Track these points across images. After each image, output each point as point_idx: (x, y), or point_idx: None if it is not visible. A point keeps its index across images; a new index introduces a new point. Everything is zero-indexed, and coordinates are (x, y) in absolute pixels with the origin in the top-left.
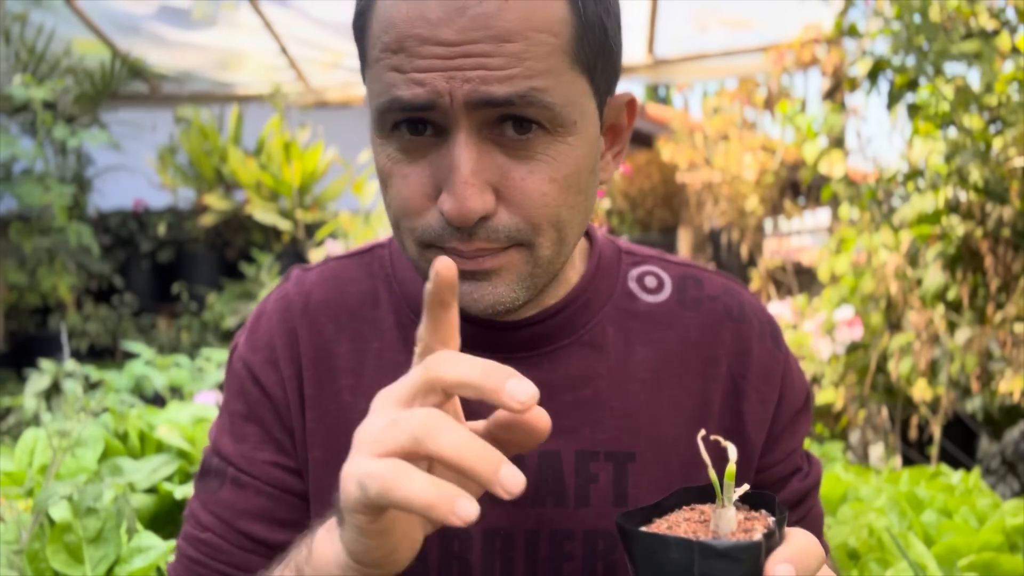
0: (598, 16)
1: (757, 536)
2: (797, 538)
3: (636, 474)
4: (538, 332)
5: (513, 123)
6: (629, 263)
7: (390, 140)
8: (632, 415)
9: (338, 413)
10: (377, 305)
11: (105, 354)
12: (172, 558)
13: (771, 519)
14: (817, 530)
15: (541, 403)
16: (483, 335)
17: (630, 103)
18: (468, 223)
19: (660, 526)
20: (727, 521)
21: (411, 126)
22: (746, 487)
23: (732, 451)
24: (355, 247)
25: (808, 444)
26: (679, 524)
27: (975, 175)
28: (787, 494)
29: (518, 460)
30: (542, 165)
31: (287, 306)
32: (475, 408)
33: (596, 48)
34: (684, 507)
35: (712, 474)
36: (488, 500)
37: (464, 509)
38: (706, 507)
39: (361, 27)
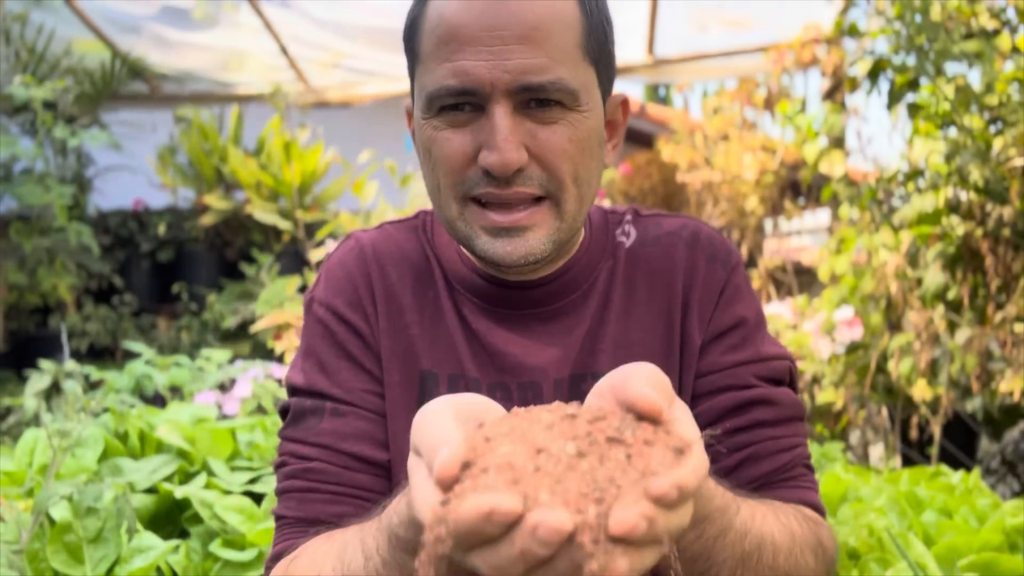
0: (600, 21)
1: None
2: None
3: None
4: (550, 290)
5: (537, 101)
6: (615, 223)
7: (435, 117)
8: (610, 340)
9: (408, 343)
10: (428, 261)
11: (105, 354)
12: (276, 503)
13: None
14: (772, 456)
15: (549, 350)
16: (506, 295)
17: (624, 102)
18: (508, 172)
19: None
20: None
21: (453, 106)
22: None
23: None
24: (408, 215)
25: (808, 444)
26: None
27: (975, 175)
28: (720, 401)
29: (536, 391)
30: (562, 128)
31: (360, 254)
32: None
33: (600, 46)
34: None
35: None
36: None
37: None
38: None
39: (413, 31)
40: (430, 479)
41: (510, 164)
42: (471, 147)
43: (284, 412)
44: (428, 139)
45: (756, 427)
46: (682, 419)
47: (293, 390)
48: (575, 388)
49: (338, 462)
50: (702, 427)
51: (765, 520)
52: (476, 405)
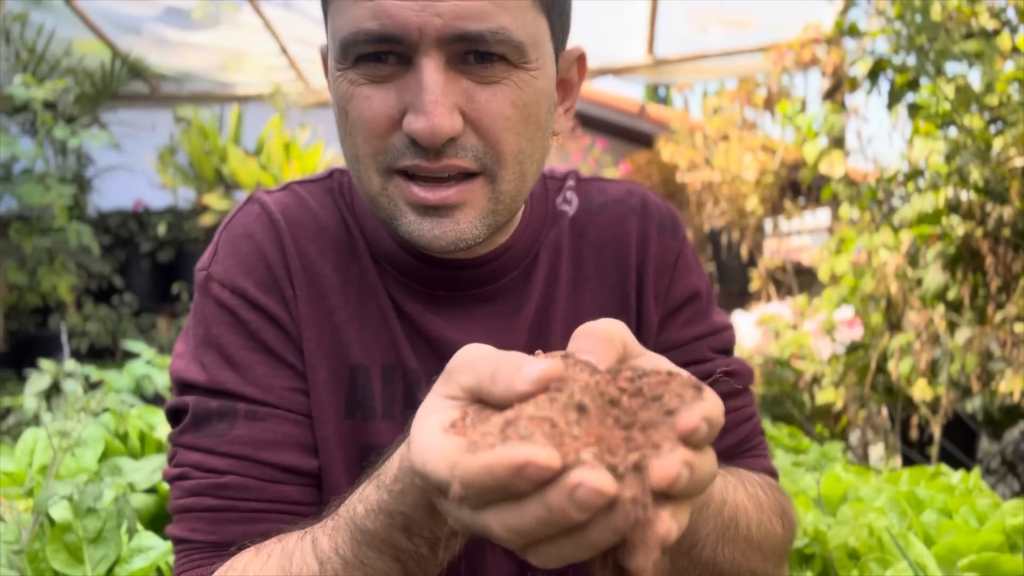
0: None
1: None
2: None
3: None
4: (491, 269)
5: (476, 55)
6: (555, 189)
7: (351, 68)
8: (560, 320)
9: (333, 332)
10: (348, 229)
11: (105, 354)
12: (174, 522)
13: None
14: (735, 429)
15: (494, 335)
16: (440, 275)
17: (580, 58)
18: (437, 142)
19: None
20: None
21: (374, 56)
22: None
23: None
24: (316, 172)
25: (807, 445)
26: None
27: (975, 175)
28: None
29: None
30: (505, 89)
31: (269, 223)
32: None
33: None
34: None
35: None
36: None
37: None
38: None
39: None
40: (440, 428)
41: (440, 132)
42: (395, 108)
43: (176, 413)
44: (344, 96)
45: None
46: (680, 369)
47: (188, 387)
48: None
49: (259, 474)
50: None
51: (737, 490)
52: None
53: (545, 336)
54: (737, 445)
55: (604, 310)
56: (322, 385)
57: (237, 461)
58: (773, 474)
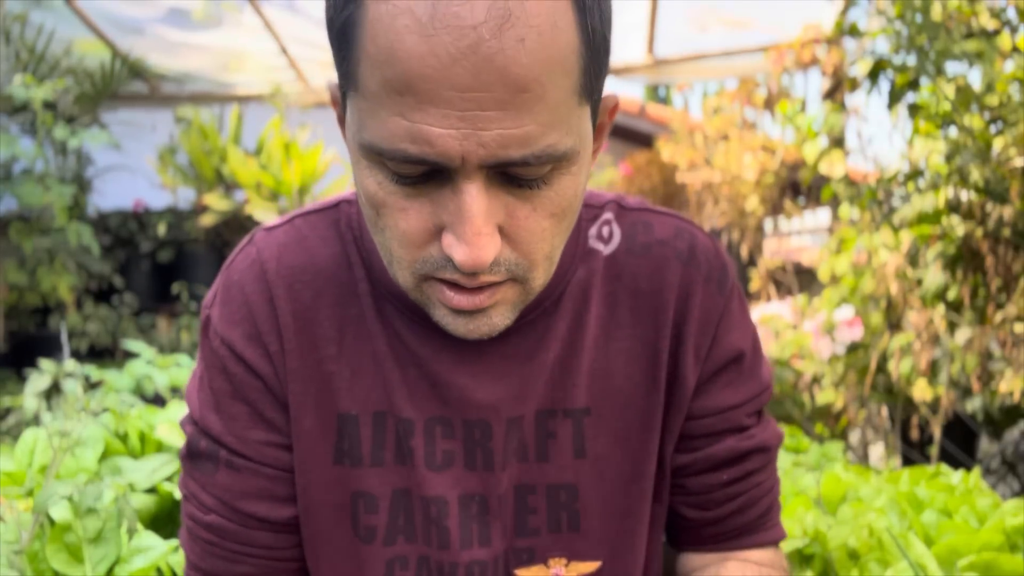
0: (603, 33)
1: None
2: None
3: (593, 428)
4: None
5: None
6: (588, 219)
7: (382, 170)
8: (586, 371)
9: (322, 383)
10: (350, 268)
11: (105, 354)
12: (182, 530)
13: None
14: (758, 503)
15: (504, 382)
16: None
17: (615, 106)
18: (481, 270)
19: None
20: None
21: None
22: None
23: None
24: (321, 201)
25: (807, 445)
26: None
27: (976, 175)
28: (718, 450)
29: (485, 430)
30: (545, 201)
31: (260, 272)
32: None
33: (600, 69)
34: None
35: None
36: (461, 467)
37: None
38: None
39: (345, 37)
40: None
41: (484, 263)
42: (431, 222)
43: (184, 429)
44: (374, 196)
45: (750, 475)
46: None
47: (189, 416)
48: (542, 426)
49: (236, 520)
50: (698, 473)
51: None
52: None
53: (567, 387)
54: (755, 520)
55: (635, 363)
56: (307, 435)
57: (218, 503)
58: (781, 537)
